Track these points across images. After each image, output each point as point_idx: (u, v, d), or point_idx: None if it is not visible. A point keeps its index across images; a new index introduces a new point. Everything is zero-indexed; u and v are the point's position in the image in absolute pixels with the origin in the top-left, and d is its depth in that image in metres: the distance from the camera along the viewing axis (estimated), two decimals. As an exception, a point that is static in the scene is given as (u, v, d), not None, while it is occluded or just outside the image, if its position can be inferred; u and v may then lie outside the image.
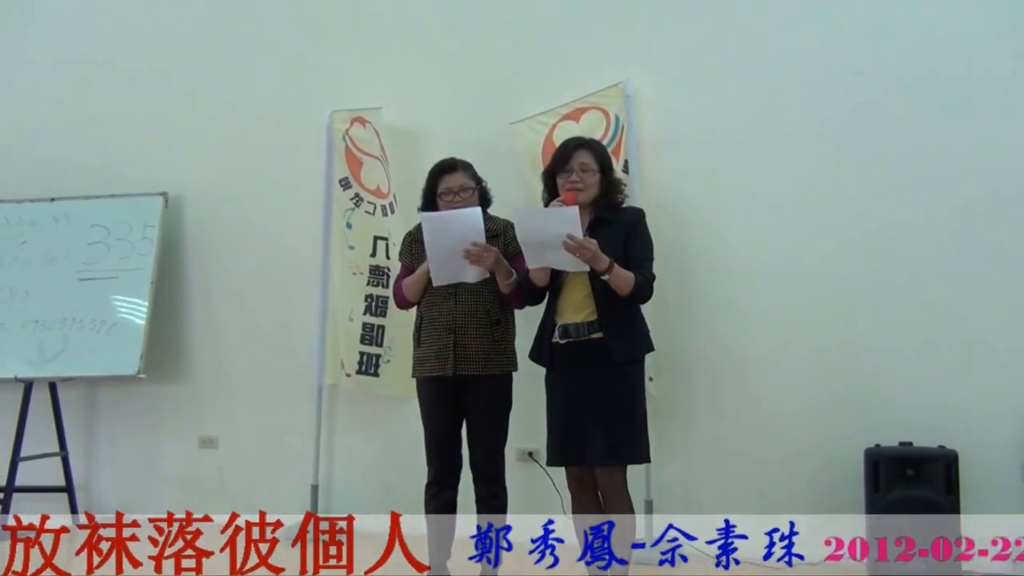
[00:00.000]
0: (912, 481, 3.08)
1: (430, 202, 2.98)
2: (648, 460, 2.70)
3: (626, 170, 3.46)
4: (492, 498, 2.92)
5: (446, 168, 2.95)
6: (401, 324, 3.80)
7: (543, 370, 2.83)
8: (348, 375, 3.90)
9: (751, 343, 3.52)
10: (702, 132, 3.66)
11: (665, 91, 3.69)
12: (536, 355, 2.80)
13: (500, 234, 2.95)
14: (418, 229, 2.97)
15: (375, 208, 3.91)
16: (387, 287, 3.86)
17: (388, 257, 3.87)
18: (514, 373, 2.97)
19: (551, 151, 3.38)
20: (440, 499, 2.92)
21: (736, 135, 3.62)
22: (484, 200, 3.01)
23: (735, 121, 3.63)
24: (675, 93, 3.70)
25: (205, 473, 4.25)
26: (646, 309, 2.81)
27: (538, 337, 2.80)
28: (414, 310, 3.07)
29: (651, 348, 2.77)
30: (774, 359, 3.49)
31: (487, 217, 2.89)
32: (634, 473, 2.78)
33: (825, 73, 3.53)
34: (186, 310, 4.35)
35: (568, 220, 2.52)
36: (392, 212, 3.87)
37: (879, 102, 3.46)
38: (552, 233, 2.53)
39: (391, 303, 3.80)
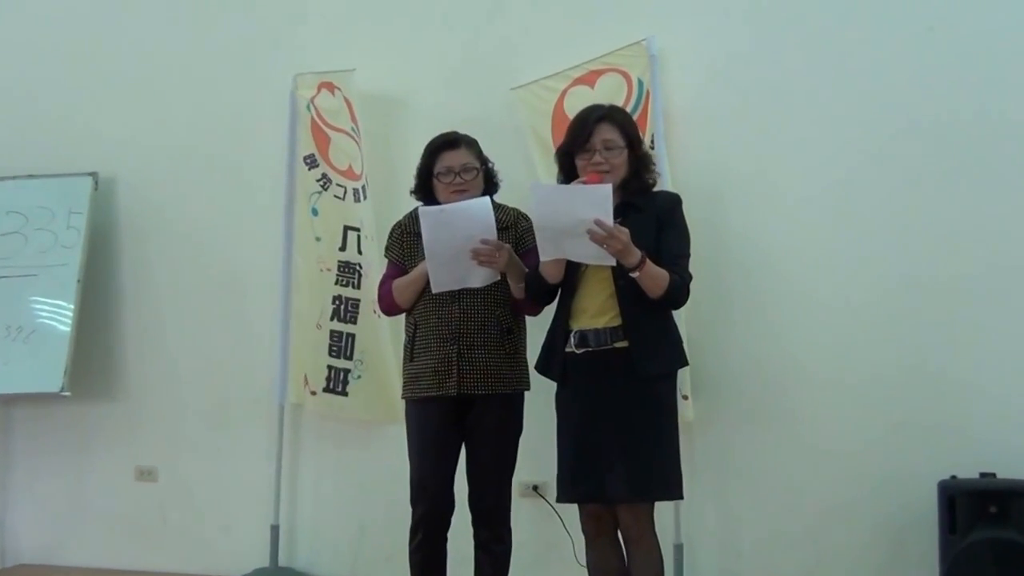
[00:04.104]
0: (996, 520, 3.06)
1: (425, 184, 3.00)
2: (680, 496, 2.70)
3: (652, 146, 3.44)
4: (495, 542, 2.94)
5: (446, 143, 2.97)
6: (373, 332, 3.82)
7: (551, 386, 2.83)
8: (313, 393, 3.89)
9: (804, 356, 3.50)
10: (743, 98, 3.61)
11: (697, 49, 3.66)
12: (544, 367, 2.81)
13: (510, 226, 2.98)
14: (409, 219, 3.03)
15: (345, 192, 3.90)
16: (358, 287, 3.86)
17: (360, 251, 3.86)
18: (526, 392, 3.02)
19: (561, 122, 3.49)
20: (427, 549, 2.94)
21: (786, 100, 3.57)
22: (490, 185, 3.03)
23: (784, 83, 3.58)
24: (709, 51, 3.66)
25: (143, 511, 4.21)
26: (678, 315, 2.83)
27: (547, 345, 2.80)
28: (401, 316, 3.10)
29: (685, 362, 2.80)
30: (831, 375, 3.47)
31: (494, 206, 2.89)
32: (662, 511, 2.79)
33: (893, 26, 3.49)
34: (120, 314, 4.32)
35: (598, 201, 2.50)
36: (365, 197, 3.85)
37: (956, 61, 3.42)
38: (576, 217, 2.50)
39: (363, 307, 3.83)
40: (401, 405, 3.18)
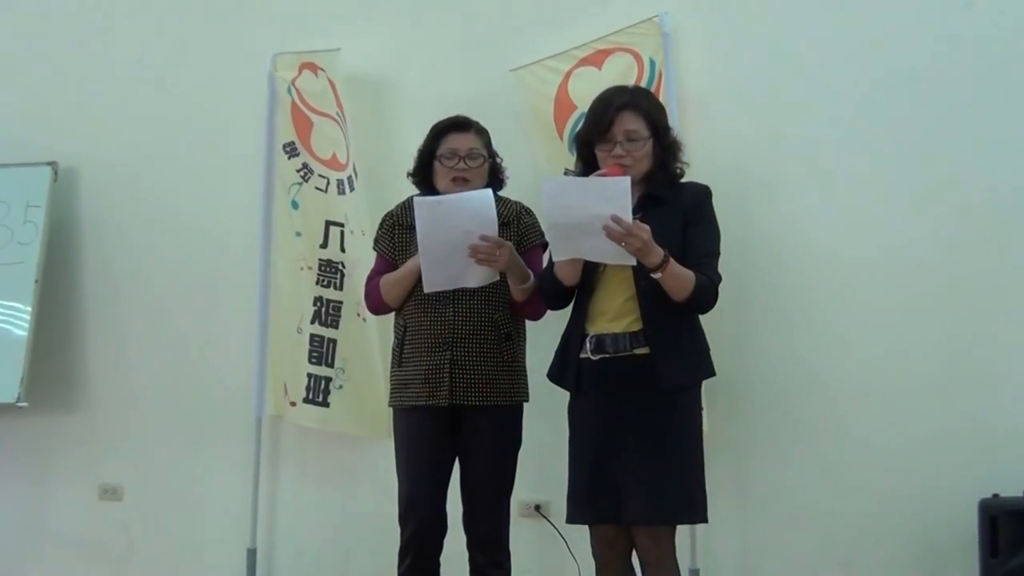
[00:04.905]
0: (1042, 544, 3.13)
1: (426, 166, 3.00)
2: (704, 519, 2.67)
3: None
4: (493, 567, 2.93)
5: (455, 125, 3.00)
6: (357, 338, 3.80)
7: (558, 397, 2.81)
8: (293, 404, 3.85)
9: (832, 364, 3.47)
10: (767, 81, 3.59)
11: (715, 26, 3.65)
12: (558, 375, 2.78)
13: (512, 222, 2.98)
14: (402, 210, 3.04)
15: (328, 183, 3.87)
16: (340, 288, 3.84)
17: (343, 249, 3.84)
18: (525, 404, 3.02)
19: (565, 107, 3.59)
20: (418, 573, 2.93)
21: (814, 85, 3.55)
22: (495, 180, 3.03)
23: (812, 66, 3.56)
24: (728, 28, 3.65)
25: (107, 533, 4.17)
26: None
27: (561, 351, 2.78)
28: (389, 317, 3.10)
29: (711, 372, 2.77)
30: (862, 384, 3.44)
31: (496, 200, 2.86)
32: (677, 532, 2.75)
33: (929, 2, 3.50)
34: (82, 318, 4.28)
35: (615, 195, 2.47)
36: (351, 189, 3.82)
37: (998, 38, 3.41)
38: (591, 212, 2.47)
39: (346, 310, 3.81)
40: (388, 418, 3.17)
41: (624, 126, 2.67)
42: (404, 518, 2.93)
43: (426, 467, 2.92)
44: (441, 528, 2.94)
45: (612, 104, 2.70)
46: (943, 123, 3.44)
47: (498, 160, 3.07)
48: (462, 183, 2.91)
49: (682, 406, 2.64)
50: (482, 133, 3.03)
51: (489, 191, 2.83)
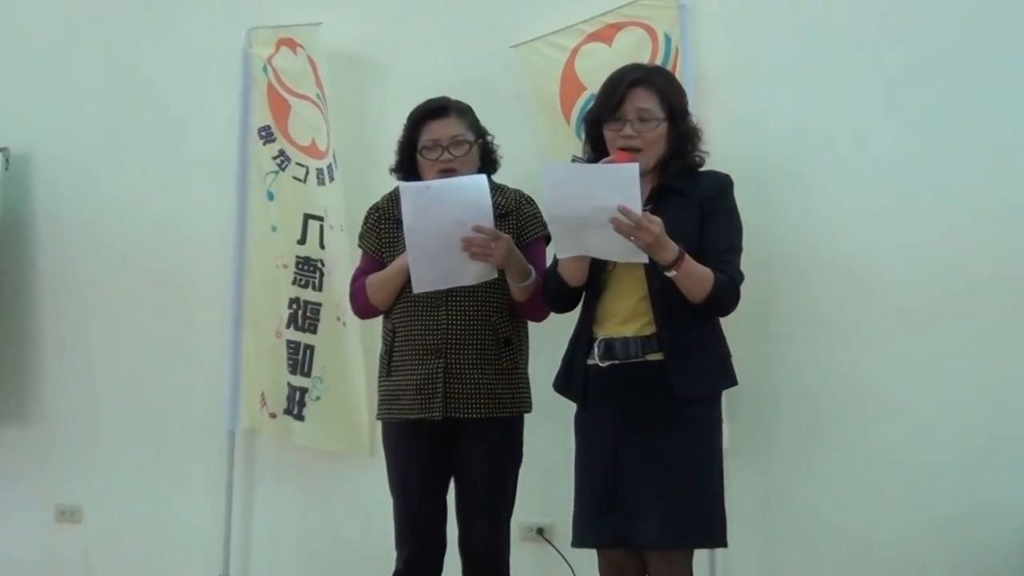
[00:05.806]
0: (1100, 568, 3.07)
1: (408, 159, 2.98)
2: (723, 542, 2.66)
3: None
4: None
5: (433, 111, 2.96)
6: (336, 344, 3.80)
7: (563, 408, 2.82)
8: (273, 415, 3.85)
9: (866, 372, 3.44)
10: (793, 59, 3.56)
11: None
12: (564, 384, 2.77)
13: (511, 213, 2.97)
14: (389, 201, 3.01)
15: (306, 173, 3.87)
16: (319, 289, 3.85)
17: (322, 245, 3.84)
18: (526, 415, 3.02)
19: (571, 87, 3.58)
20: None
21: (842, 64, 3.51)
22: (487, 162, 3.02)
23: (841, 44, 3.53)
24: (753, 3, 3.62)
25: (65, 557, 4.16)
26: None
27: (568, 358, 2.76)
28: (377, 321, 3.08)
29: (732, 381, 2.75)
30: (900, 395, 3.41)
31: (493, 188, 2.85)
32: (694, 559, 2.72)
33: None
34: (37, 320, 4.28)
35: (622, 184, 2.44)
36: (331, 179, 3.81)
37: None
38: (597, 204, 2.44)
39: (324, 313, 3.82)
40: (369, 434, 3.33)
41: (635, 103, 2.65)
42: (400, 539, 2.93)
43: (421, 486, 2.93)
44: (439, 550, 2.94)
45: (623, 80, 2.68)
46: (982, 104, 3.40)
47: (489, 139, 3.05)
48: (449, 173, 2.88)
49: (699, 418, 2.63)
50: (464, 114, 3.00)
51: (483, 176, 2.79)
